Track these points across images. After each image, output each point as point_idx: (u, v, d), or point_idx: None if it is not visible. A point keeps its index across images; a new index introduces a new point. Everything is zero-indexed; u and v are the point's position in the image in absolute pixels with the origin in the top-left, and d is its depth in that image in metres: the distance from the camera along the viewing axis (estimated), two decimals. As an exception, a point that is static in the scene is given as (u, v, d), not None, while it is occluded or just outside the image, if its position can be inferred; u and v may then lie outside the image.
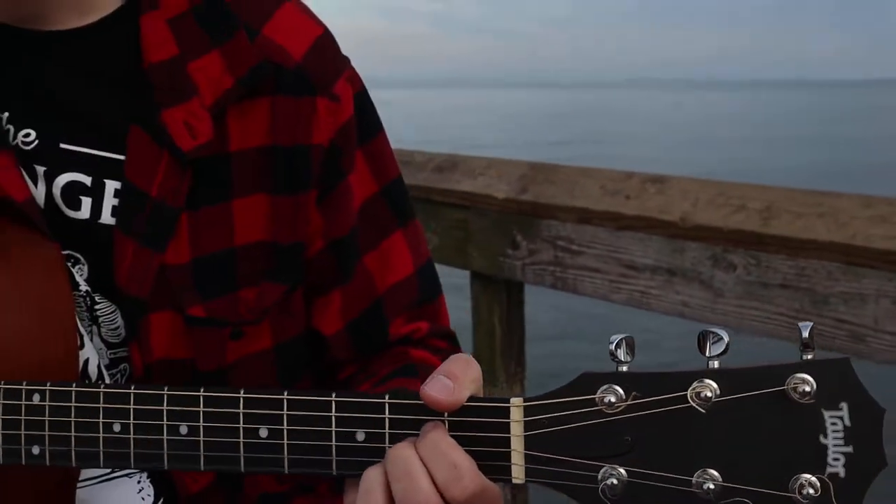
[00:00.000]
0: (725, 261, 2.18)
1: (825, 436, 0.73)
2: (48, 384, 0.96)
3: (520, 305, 2.74)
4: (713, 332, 0.76)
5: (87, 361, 1.11)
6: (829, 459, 0.73)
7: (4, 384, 0.97)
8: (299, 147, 1.12)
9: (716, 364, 0.76)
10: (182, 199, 1.08)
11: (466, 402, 0.82)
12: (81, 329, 1.10)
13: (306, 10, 1.19)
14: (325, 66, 1.15)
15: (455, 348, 1.27)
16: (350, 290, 1.19)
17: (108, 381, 1.12)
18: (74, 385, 0.95)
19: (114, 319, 1.11)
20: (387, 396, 0.84)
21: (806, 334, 0.74)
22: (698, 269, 2.22)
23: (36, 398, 0.96)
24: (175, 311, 1.10)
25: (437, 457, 0.80)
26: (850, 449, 0.73)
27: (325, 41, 1.16)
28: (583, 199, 2.42)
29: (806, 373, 0.73)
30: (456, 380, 0.83)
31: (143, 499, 1.16)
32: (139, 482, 1.16)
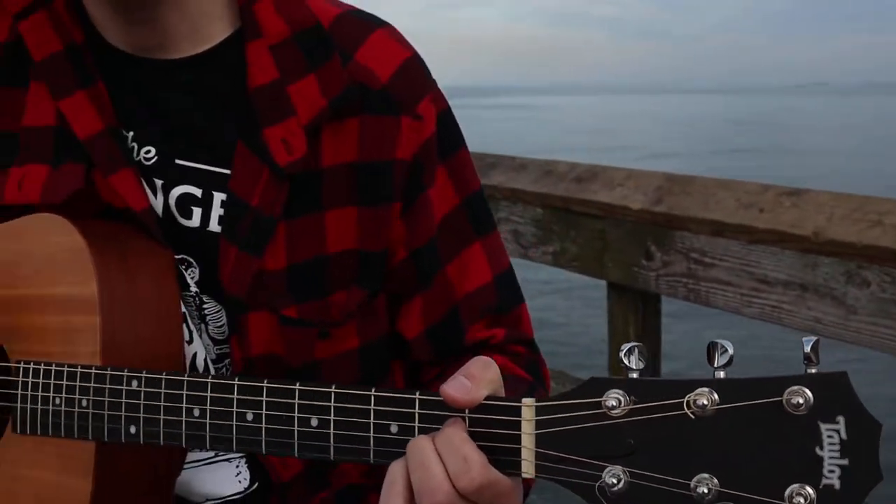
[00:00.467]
0: (859, 277, 2.13)
1: (821, 448, 0.75)
2: (144, 372, 1.08)
3: (656, 316, 2.74)
4: (720, 344, 0.79)
5: (195, 356, 1.23)
6: (825, 471, 0.75)
7: (111, 370, 1.10)
8: (384, 162, 1.21)
9: (721, 374, 0.79)
10: (279, 210, 1.18)
11: (484, 400, 0.88)
12: (191, 326, 1.23)
13: (397, 36, 1.27)
14: (409, 88, 1.23)
15: (532, 354, 1.32)
16: (430, 296, 1.26)
17: (213, 372, 1.24)
18: (164, 374, 1.06)
19: (219, 318, 1.23)
20: (417, 393, 0.91)
21: (808, 349, 0.76)
22: (831, 285, 2.18)
23: (134, 384, 1.08)
24: (271, 311, 1.20)
25: (451, 450, 0.87)
26: (845, 462, 0.74)
27: (411, 64, 1.25)
28: (717, 212, 2.41)
29: (803, 385, 0.75)
30: (474, 380, 0.89)
31: (239, 482, 1.27)
32: (237, 466, 1.27)
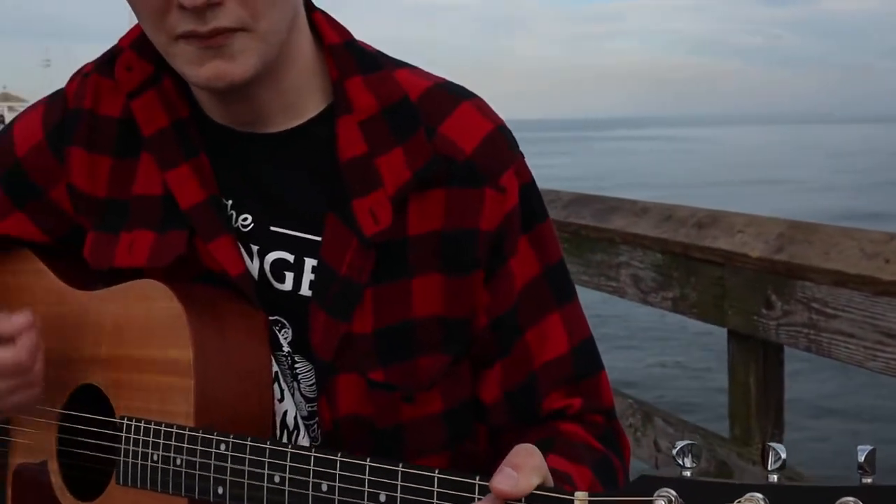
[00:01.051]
0: None
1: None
2: (231, 436, 1.13)
3: (778, 366, 2.67)
4: (774, 448, 0.78)
5: (285, 413, 1.28)
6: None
7: (202, 433, 1.16)
8: (468, 232, 1.24)
9: (774, 478, 0.78)
10: (366, 276, 1.23)
11: (536, 491, 0.89)
12: (283, 384, 1.28)
13: (482, 108, 1.30)
14: (492, 160, 1.26)
15: (609, 423, 1.32)
16: (508, 363, 1.28)
17: (303, 431, 1.29)
18: (249, 440, 1.12)
19: (310, 377, 1.28)
20: (477, 478, 0.93)
21: (862, 458, 0.75)
22: (960, 343, 2.08)
23: (222, 447, 1.14)
24: (359, 374, 1.25)
25: None
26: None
27: (495, 136, 1.27)
28: (839, 262, 2.33)
29: (856, 497, 0.74)
30: (519, 469, 0.91)
31: None
32: None
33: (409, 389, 1.26)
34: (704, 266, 2.71)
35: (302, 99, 1.27)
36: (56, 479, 1.33)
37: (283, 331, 1.28)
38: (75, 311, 1.33)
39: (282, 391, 1.28)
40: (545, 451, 1.16)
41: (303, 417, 1.29)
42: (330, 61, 1.28)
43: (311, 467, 1.05)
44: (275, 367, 1.27)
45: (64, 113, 1.34)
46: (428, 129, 1.25)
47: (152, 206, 1.29)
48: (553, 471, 0.99)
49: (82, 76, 1.35)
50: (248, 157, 1.29)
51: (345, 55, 1.28)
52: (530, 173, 1.30)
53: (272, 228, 1.27)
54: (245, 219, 1.28)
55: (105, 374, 1.28)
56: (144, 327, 1.24)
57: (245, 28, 1.15)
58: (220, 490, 1.14)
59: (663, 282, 2.88)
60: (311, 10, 1.31)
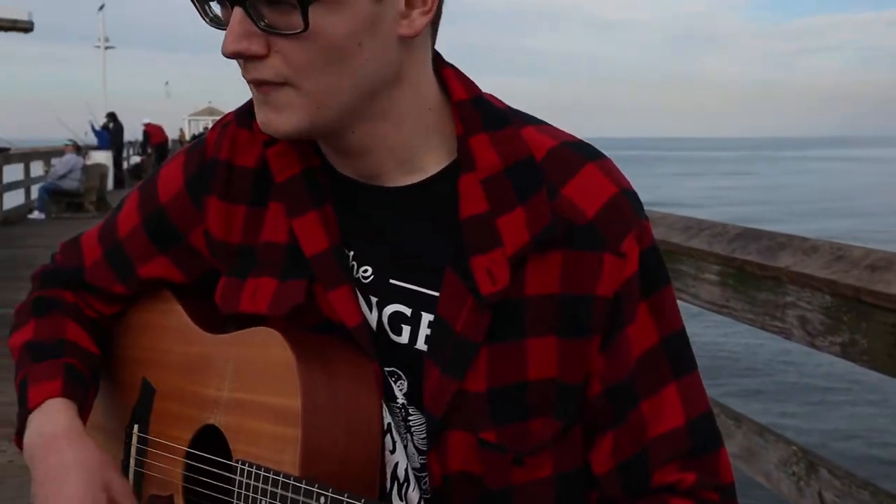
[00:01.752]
0: None
1: None
2: (330, 490, 1.14)
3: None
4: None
5: (396, 465, 1.28)
6: None
7: (304, 484, 1.17)
8: (586, 297, 1.21)
9: None
10: (481, 336, 1.21)
11: None
12: (395, 436, 1.28)
13: (608, 170, 1.27)
14: (614, 225, 1.22)
15: (726, 502, 1.25)
16: (621, 433, 1.25)
17: (414, 484, 1.28)
18: (346, 496, 1.12)
19: (423, 430, 1.27)
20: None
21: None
22: None
23: (322, 500, 1.14)
24: (470, 432, 1.23)
25: None
26: None
27: (618, 200, 1.24)
28: None
29: None
30: None
31: None
32: None
33: (519, 452, 1.24)
34: (878, 312, 2.54)
35: (420, 156, 1.27)
36: (180, 515, 1.37)
37: (399, 382, 1.28)
38: (203, 352, 1.37)
39: (394, 442, 1.28)
40: None
41: (414, 469, 1.29)
42: (456, 117, 1.27)
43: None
44: (388, 419, 1.27)
45: (202, 162, 1.39)
46: (550, 189, 1.23)
47: (277, 253, 1.31)
48: None
49: (222, 126, 1.40)
50: (371, 210, 1.30)
51: (471, 111, 1.27)
52: (652, 238, 1.26)
53: (391, 281, 1.28)
54: (366, 270, 1.29)
55: (225, 416, 1.31)
56: (260, 373, 1.27)
57: (289, 83, 1.16)
58: (316, 541, 1.14)
59: (832, 325, 2.71)
60: (441, 65, 1.30)
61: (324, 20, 1.13)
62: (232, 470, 1.28)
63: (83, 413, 1.39)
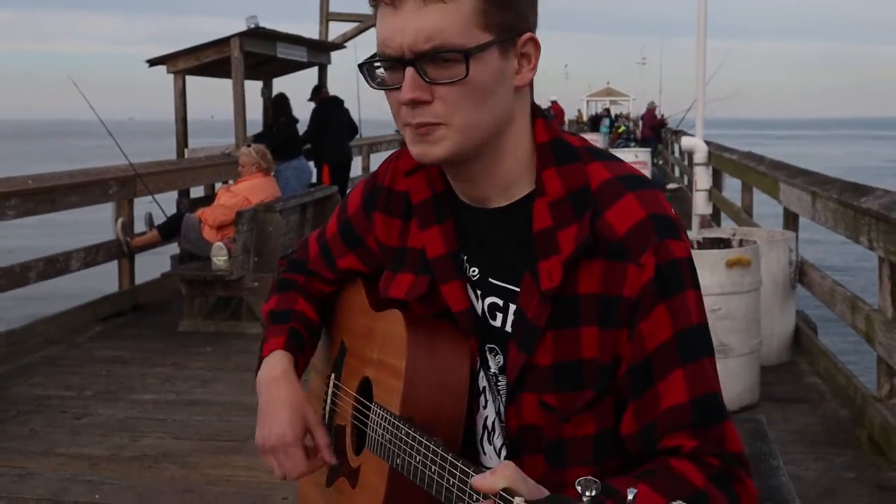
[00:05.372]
0: None
1: None
2: (407, 425, 1.62)
3: None
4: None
5: (486, 418, 1.73)
6: None
7: (400, 422, 1.66)
8: (616, 297, 1.59)
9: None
10: (544, 322, 1.62)
11: (502, 491, 1.26)
12: (488, 396, 1.73)
13: (643, 199, 1.61)
14: (637, 242, 1.58)
15: (728, 469, 1.55)
16: (640, 405, 1.60)
17: (498, 432, 1.72)
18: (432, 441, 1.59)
19: (506, 392, 1.71)
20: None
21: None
22: None
23: (406, 425, 1.63)
24: (537, 394, 1.65)
25: None
26: None
27: (644, 223, 1.59)
28: None
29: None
30: (494, 474, 1.29)
31: None
32: None
33: (565, 413, 1.63)
34: None
35: (514, 184, 1.69)
36: (349, 440, 1.92)
37: (497, 357, 1.72)
38: (370, 324, 1.90)
39: (486, 400, 1.73)
40: (640, 479, 1.47)
41: (500, 422, 1.72)
42: (537, 156, 1.69)
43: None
44: (483, 383, 1.72)
45: (374, 188, 1.91)
46: (597, 212, 1.61)
47: (415, 256, 1.80)
48: (605, 486, 1.27)
49: (389, 160, 1.91)
50: (478, 225, 1.74)
51: (547, 151, 1.68)
52: (671, 253, 1.58)
53: (490, 279, 1.72)
54: (474, 271, 1.74)
55: (373, 371, 1.83)
56: (390, 341, 1.77)
57: (444, 123, 1.59)
58: (408, 465, 1.63)
59: None
60: (535, 116, 1.72)
61: (474, 70, 1.57)
62: (371, 410, 1.80)
63: (298, 364, 1.95)
